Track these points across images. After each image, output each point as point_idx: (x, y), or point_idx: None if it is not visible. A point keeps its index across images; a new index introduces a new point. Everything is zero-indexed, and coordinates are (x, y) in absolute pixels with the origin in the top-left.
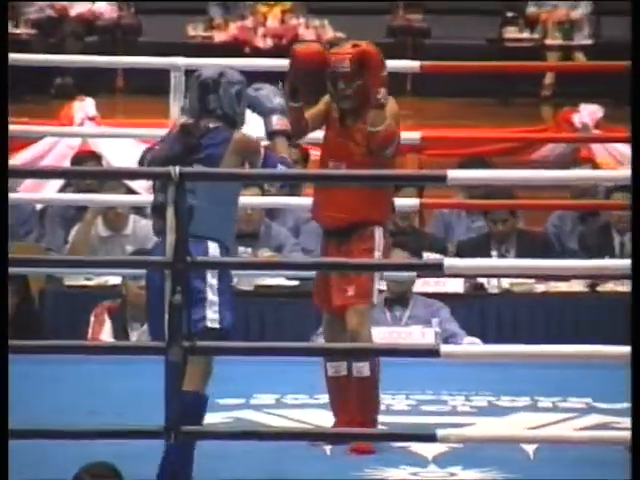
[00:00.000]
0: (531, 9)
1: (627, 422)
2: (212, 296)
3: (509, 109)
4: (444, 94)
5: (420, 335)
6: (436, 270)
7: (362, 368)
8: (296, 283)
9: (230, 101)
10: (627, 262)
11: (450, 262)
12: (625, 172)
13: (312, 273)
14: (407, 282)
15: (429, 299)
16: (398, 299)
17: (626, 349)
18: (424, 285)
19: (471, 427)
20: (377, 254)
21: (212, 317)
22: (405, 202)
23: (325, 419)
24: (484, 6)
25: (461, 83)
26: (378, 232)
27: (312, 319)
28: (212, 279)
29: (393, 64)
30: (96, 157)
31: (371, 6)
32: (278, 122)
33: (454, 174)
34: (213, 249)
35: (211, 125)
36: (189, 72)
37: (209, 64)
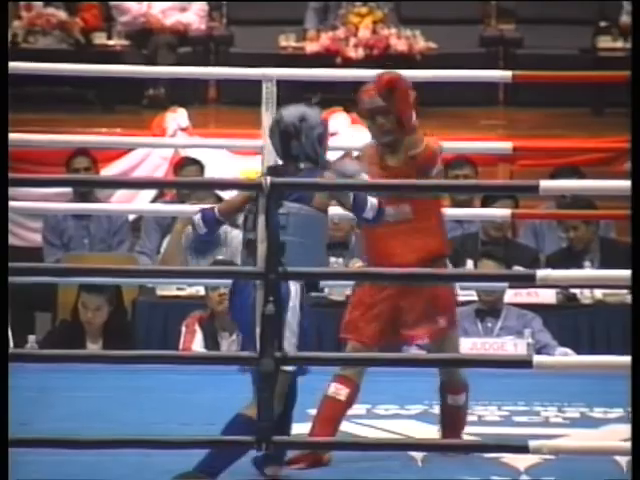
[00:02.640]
0: (625, 18)
1: None
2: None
3: (602, 119)
4: (536, 104)
5: (512, 346)
6: (529, 281)
7: (458, 399)
8: None
9: (312, 145)
10: None
11: (543, 273)
12: None
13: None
14: (497, 292)
15: (521, 310)
16: (489, 310)
17: None
18: (516, 296)
19: (564, 438)
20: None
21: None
22: (496, 212)
23: (415, 429)
24: (577, 15)
25: (554, 93)
26: (448, 263)
27: None
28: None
29: (485, 74)
30: (197, 162)
31: (463, 16)
32: None
33: (546, 184)
34: (294, 290)
35: (302, 165)
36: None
37: (290, 108)
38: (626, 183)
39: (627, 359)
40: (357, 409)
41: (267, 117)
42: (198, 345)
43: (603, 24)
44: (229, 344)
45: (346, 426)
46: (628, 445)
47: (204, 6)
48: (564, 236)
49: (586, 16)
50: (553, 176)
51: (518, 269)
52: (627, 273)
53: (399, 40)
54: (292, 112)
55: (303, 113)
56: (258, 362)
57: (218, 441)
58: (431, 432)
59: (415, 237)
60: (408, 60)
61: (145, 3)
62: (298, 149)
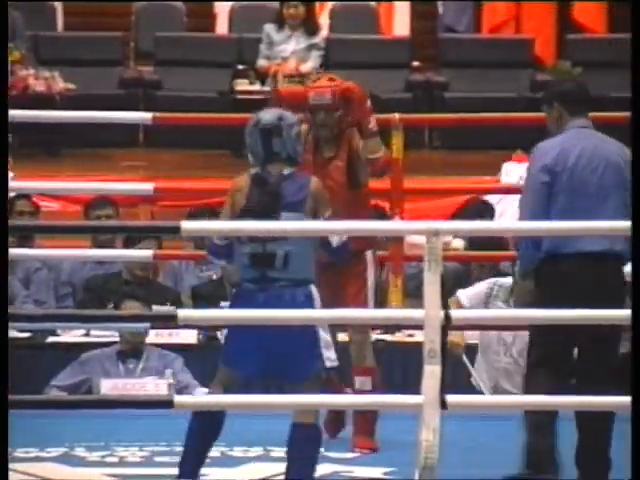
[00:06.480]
0: (261, 62)
1: (359, 470)
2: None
3: (242, 160)
4: (177, 145)
5: (154, 387)
6: (171, 321)
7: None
8: (27, 335)
9: (292, 143)
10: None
11: (184, 313)
12: None
13: (44, 326)
14: (141, 333)
15: (164, 350)
16: (131, 351)
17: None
18: (158, 336)
19: (203, 478)
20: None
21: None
22: (138, 253)
23: (56, 472)
24: (216, 58)
25: (194, 135)
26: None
27: (46, 371)
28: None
29: (126, 115)
30: None
31: (103, 57)
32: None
33: (188, 225)
34: (315, 292)
35: (285, 172)
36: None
37: (265, 110)
38: (265, 224)
39: (259, 397)
40: None
41: None
42: None
43: (240, 67)
44: None
45: None
46: None
47: None
48: (202, 275)
49: (224, 59)
50: (190, 217)
51: (159, 309)
52: (267, 313)
53: (37, 80)
54: (269, 113)
55: (280, 113)
56: None
57: None
58: (71, 474)
59: None
60: (47, 100)
61: None
62: (279, 146)
